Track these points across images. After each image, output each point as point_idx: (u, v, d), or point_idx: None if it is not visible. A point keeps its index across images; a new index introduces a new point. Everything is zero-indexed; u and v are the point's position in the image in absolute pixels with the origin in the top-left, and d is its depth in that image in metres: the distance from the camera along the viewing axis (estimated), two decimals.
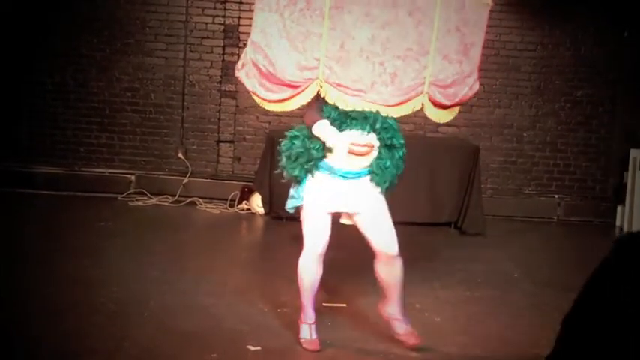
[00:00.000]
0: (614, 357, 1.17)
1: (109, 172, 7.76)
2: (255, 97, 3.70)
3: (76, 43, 7.63)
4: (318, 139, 3.66)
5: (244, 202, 7.41)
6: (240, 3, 7.71)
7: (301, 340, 3.91)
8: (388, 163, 3.75)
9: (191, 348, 3.87)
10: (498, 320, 4.61)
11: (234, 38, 7.76)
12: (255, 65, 3.58)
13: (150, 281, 4.88)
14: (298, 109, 3.83)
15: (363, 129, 3.66)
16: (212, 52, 7.77)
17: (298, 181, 3.77)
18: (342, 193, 3.74)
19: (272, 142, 7.14)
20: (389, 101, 3.65)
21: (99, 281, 4.78)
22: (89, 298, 4.46)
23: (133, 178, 7.73)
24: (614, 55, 7.76)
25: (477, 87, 3.91)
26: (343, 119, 3.65)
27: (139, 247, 5.78)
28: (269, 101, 3.67)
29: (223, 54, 7.77)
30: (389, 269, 3.89)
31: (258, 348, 3.92)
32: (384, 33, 3.58)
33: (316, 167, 3.71)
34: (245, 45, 7.61)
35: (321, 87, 3.60)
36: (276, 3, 3.52)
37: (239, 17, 7.72)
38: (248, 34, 7.63)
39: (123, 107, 7.77)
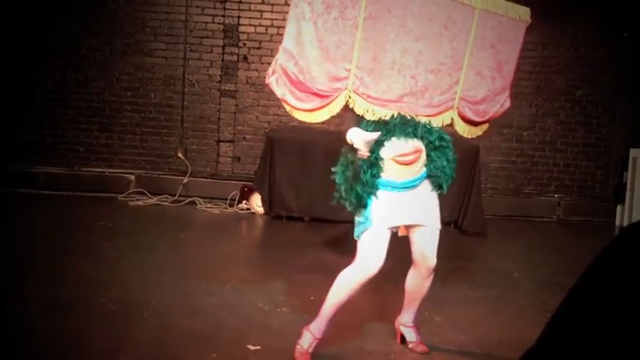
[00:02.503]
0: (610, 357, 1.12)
1: (109, 172, 7.77)
2: (285, 105, 3.56)
3: (76, 44, 7.64)
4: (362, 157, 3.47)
5: (244, 201, 7.42)
6: (240, 2, 7.71)
7: (297, 347, 3.73)
8: (445, 163, 3.62)
9: (191, 348, 3.87)
10: (498, 320, 4.61)
11: (233, 38, 7.76)
12: (285, 72, 3.44)
13: (150, 281, 4.88)
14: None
15: (406, 135, 3.52)
16: (212, 52, 7.77)
17: (362, 205, 3.56)
18: (403, 205, 3.58)
19: (272, 142, 7.14)
20: (418, 112, 3.57)
21: (99, 281, 4.78)
22: (89, 299, 4.45)
23: (132, 177, 7.73)
24: (614, 55, 7.76)
25: (507, 104, 3.84)
26: (382, 132, 3.49)
27: (139, 246, 5.77)
28: (298, 110, 3.53)
29: (223, 53, 7.78)
30: (422, 282, 3.80)
31: (258, 348, 3.91)
32: (418, 46, 3.51)
33: (375, 187, 3.55)
34: (245, 44, 7.76)
35: (350, 97, 3.49)
36: (311, 11, 3.40)
37: (239, 17, 7.73)
38: (248, 33, 7.84)
39: (123, 107, 7.78)
